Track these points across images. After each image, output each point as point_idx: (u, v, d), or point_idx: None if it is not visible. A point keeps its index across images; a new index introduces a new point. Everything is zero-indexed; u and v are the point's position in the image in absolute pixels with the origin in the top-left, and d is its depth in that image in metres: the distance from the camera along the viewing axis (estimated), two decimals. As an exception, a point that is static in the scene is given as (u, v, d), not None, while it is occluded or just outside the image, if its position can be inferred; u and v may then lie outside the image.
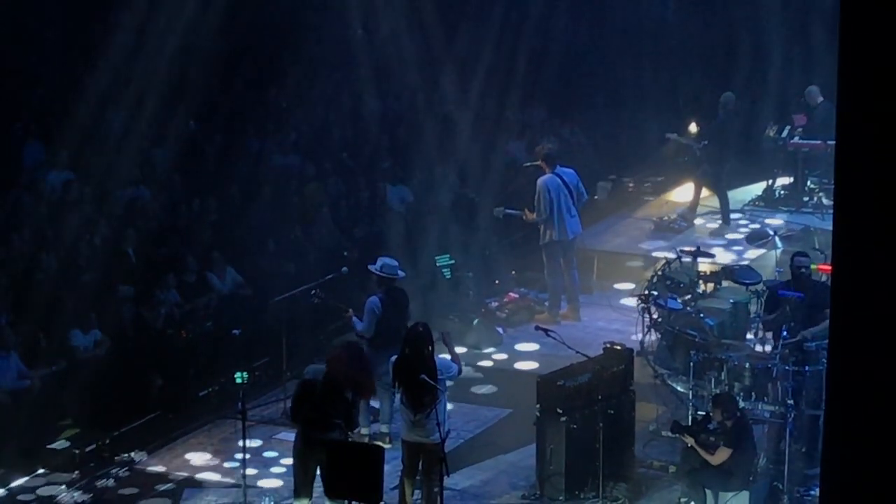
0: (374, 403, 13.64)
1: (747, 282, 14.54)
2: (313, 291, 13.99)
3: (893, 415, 4.81)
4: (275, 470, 13.18)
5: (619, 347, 13.01)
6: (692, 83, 22.94)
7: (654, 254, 17.89)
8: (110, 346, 14.59)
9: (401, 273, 13.66)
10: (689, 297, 14.50)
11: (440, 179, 19.35)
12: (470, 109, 20.72)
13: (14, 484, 12.92)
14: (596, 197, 20.34)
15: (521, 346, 15.97)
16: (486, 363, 15.71)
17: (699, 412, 12.66)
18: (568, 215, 16.45)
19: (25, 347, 14.15)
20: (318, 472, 11.44)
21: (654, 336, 14.41)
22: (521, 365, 15.53)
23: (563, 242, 16.48)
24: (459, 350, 15.76)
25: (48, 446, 13.43)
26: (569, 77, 23.65)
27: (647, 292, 14.62)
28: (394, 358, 11.83)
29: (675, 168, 20.79)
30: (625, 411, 12.63)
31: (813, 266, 13.88)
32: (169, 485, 13.08)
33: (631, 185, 21.49)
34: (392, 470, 11.88)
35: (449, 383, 12.24)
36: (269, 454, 13.55)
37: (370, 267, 13.67)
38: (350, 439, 11.81)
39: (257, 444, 13.60)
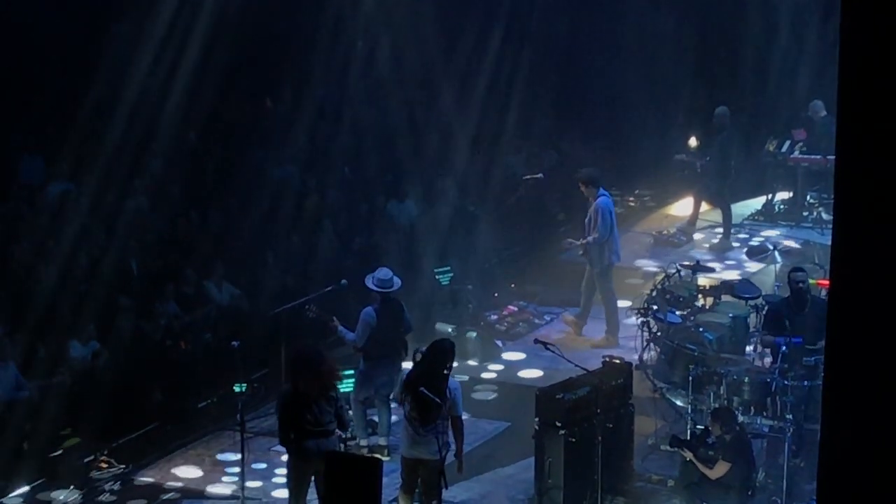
0: (373, 416, 13.63)
1: (746, 296, 14.55)
2: (307, 306, 13.96)
3: (891, 429, 4.81)
4: (276, 481, 13.16)
5: (618, 361, 12.99)
6: (694, 97, 22.95)
7: (653, 268, 17.87)
8: (109, 357, 14.58)
9: (397, 281, 13.62)
10: (688, 311, 14.48)
11: (440, 192, 19.35)
12: (470, 122, 20.72)
13: (14, 494, 12.91)
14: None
15: (520, 361, 15.97)
16: (487, 375, 15.71)
17: (698, 426, 12.65)
18: (617, 238, 16.39)
19: (24, 358, 14.14)
20: (314, 482, 11.44)
21: (653, 350, 14.40)
22: (523, 374, 15.53)
23: (613, 265, 16.30)
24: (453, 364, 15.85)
25: (48, 456, 13.41)
26: (568, 90, 23.66)
27: (646, 306, 14.62)
28: (406, 370, 11.79)
29: (675, 182, 20.80)
30: (624, 425, 12.59)
31: (812, 281, 13.88)
32: (168, 495, 13.07)
33: (631, 199, 21.50)
34: (390, 483, 11.85)
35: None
36: (267, 466, 13.52)
37: (366, 282, 13.64)
38: (347, 449, 11.79)
39: (256, 455, 13.56)
